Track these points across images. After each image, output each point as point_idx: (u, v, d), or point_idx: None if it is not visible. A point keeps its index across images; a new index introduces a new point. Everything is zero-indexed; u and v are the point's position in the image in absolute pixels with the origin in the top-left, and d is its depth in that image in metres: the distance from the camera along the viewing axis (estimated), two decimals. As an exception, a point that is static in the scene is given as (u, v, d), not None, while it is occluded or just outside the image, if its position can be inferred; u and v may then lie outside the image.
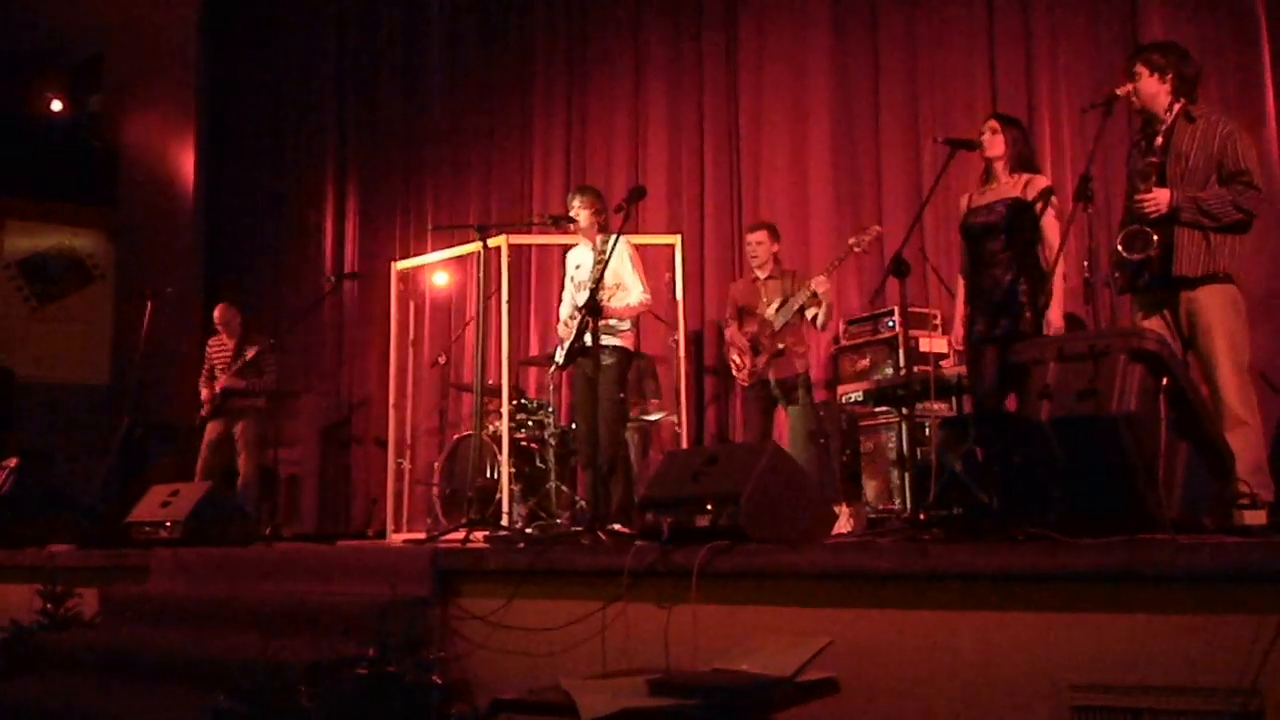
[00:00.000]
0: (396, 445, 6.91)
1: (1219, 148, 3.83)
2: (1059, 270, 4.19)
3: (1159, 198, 3.81)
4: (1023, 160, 4.48)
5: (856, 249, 5.69)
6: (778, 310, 5.68)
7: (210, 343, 7.64)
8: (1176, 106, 3.94)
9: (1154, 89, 3.95)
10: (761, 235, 5.89)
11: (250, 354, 7.25)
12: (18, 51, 11.38)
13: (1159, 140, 3.91)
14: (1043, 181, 4.42)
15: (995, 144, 4.46)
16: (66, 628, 4.75)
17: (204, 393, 7.44)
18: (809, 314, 5.67)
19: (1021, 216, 4.35)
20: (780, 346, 5.66)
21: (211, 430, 7.39)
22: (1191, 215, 3.78)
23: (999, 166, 4.48)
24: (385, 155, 9.53)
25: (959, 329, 4.64)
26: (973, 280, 4.50)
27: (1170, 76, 3.95)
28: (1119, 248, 3.88)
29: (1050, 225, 4.34)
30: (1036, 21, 6.17)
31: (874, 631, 2.87)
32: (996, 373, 4.30)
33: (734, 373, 5.89)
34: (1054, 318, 4.18)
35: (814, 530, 3.46)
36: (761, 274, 5.87)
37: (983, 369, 4.41)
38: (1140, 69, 3.97)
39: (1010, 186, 4.43)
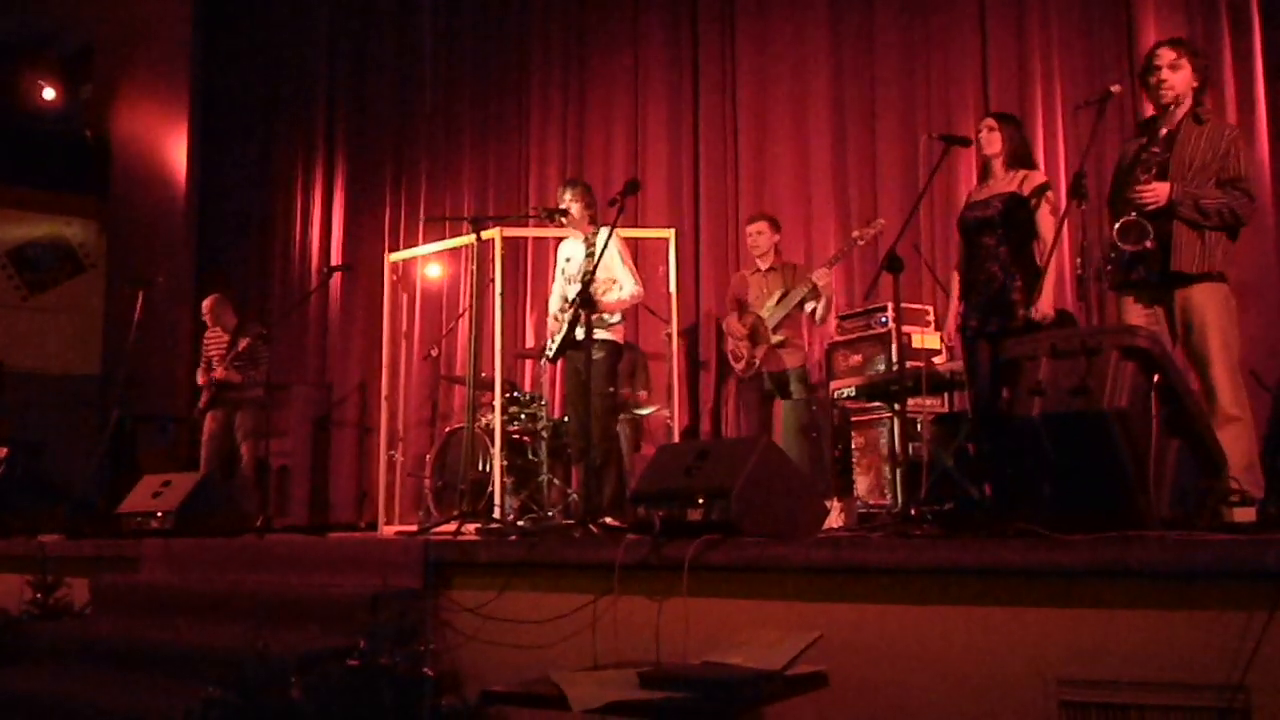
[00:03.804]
0: (388, 437, 6.89)
1: (1224, 151, 3.83)
2: (1052, 266, 4.19)
3: (1158, 190, 3.80)
4: (1019, 157, 4.48)
5: (860, 242, 5.71)
6: (777, 303, 5.69)
7: (206, 335, 7.62)
8: (1188, 105, 3.93)
9: (1188, 84, 3.92)
10: (761, 226, 5.90)
11: (243, 344, 7.22)
12: (10, 40, 11.33)
13: (1164, 131, 3.90)
14: (1039, 177, 4.41)
15: (992, 141, 4.47)
16: (56, 618, 4.75)
17: (201, 383, 7.42)
18: (808, 308, 5.69)
19: (1017, 212, 4.35)
20: (778, 339, 5.67)
21: (210, 422, 7.38)
22: (1189, 211, 3.78)
23: (996, 164, 4.48)
24: (378, 146, 9.47)
25: (950, 324, 4.65)
26: (967, 275, 4.51)
27: (1202, 77, 3.94)
28: (1114, 239, 3.87)
29: (1045, 221, 4.33)
30: (1030, 15, 6.16)
31: (864, 626, 2.88)
32: (989, 368, 4.30)
33: (732, 364, 5.90)
34: (1044, 305, 4.15)
35: (805, 525, 3.46)
36: (763, 265, 5.88)
37: (978, 364, 4.42)
38: (1184, 60, 3.91)
39: (1007, 182, 4.44)
